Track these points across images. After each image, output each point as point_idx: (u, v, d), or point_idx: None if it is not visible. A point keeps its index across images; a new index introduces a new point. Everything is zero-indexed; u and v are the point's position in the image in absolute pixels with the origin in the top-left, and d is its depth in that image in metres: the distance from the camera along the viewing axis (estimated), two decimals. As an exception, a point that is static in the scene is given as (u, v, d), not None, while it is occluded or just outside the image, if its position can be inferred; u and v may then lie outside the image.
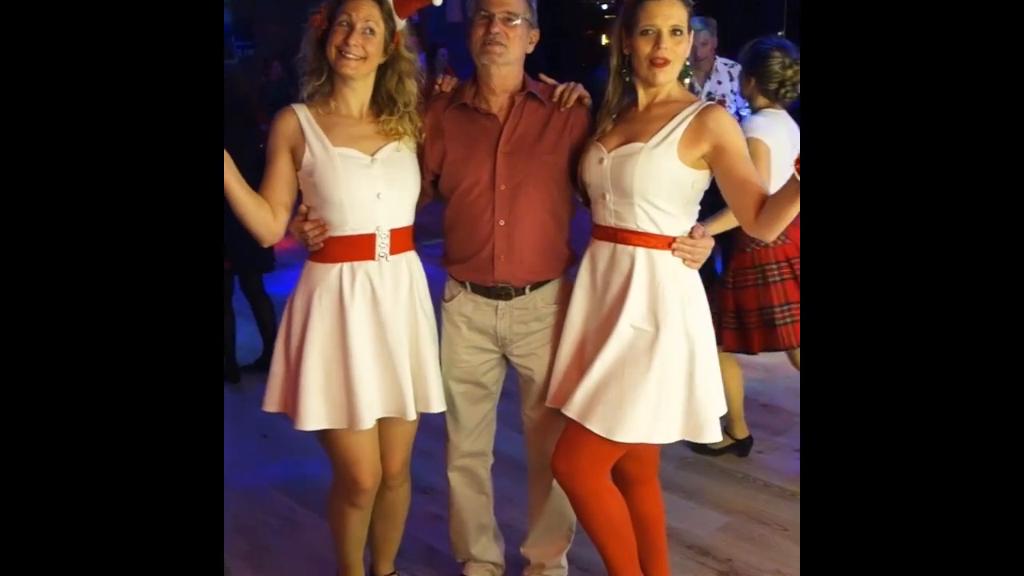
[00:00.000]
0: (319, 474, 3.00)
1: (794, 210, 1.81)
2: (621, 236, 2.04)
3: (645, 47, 1.97)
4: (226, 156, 1.87)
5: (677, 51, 1.98)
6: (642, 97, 2.06)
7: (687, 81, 2.10)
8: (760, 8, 8.73)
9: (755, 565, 2.66)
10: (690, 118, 1.97)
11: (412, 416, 2.14)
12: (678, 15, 1.97)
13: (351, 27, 2.00)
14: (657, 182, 1.97)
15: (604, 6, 13.24)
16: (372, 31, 2.02)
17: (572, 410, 2.02)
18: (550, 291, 2.23)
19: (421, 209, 2.21)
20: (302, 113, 2.08)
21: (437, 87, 2.26)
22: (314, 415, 2.07)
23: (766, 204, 1.88)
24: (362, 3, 2.02)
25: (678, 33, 1.97)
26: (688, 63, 2.07)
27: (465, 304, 2.24)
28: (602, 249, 2.09)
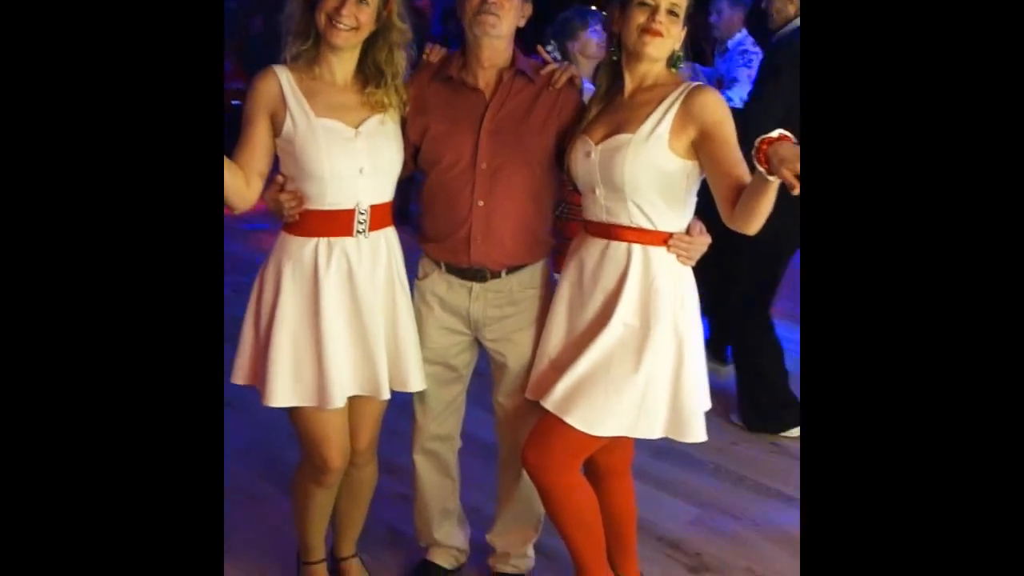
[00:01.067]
0: (282, 447, 2.93)
1: (766, 202, 1.71)
2: (614, 232, 1.96)
3: (639, 16, 1.89)
4: None
5: (672, 30, 1.90)
6: (628, 82, 1.97)
7: (674, 72, 2.00)
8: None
9: (725, 561, 2.62)
10: (677, 104, 1.88)
11: (386, 396, 2.08)
12: None
13: None
14: (649, 176, 1.88)
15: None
16: (366, 1, 1.92)
17: (551, 402, 1.95)
18: (527, 276, 2.15)
19: (402, 180, 2.13)
20: (284, 76, 1.97)
21: (425, 56, 2.16)
22: (282, 392, 2.00)
23: (740, 198, 1.79)
24: None
25: (674, 14, 1.89)
26: (680, 52, 1.98)
27: (439, 284, 2.16)
28: (593, 244, 2.01)
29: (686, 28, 1.96)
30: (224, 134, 2.19)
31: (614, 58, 2.00)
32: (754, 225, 1.79)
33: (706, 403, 2.02)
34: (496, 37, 2.01)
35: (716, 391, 3.68)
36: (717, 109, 1.87)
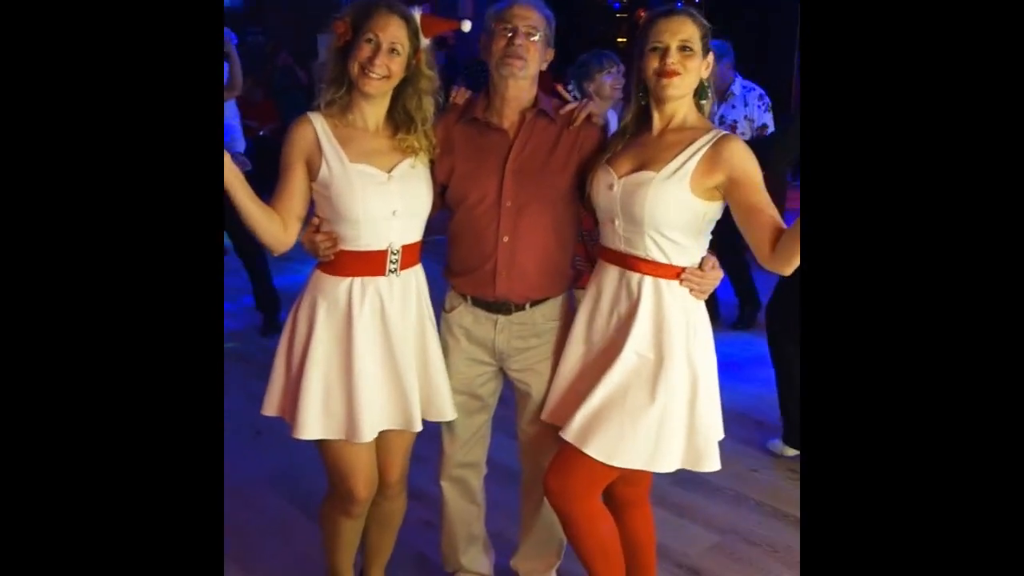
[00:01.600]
0: (312, 474, 3.00)
1: None
2: (630, 262, 2.02)
3: (653, 61, 1.96)
4: (235, 169, 1.87)
5: (687, 65, 1.95)
6: (656, 121, 2.04)
7: (704, 103, 2.08)
8: (772, 28, 8.71)
9: (744, 587, 2.65)
10: (705, 148, 1.94)
11: (418, 428, 2.14)
12: (688, 32, 1.96)
13: (378, 46, 1.98)
14: (668, 213, 1.94)
15: (616, 5, 13.23)
16: (398, 51, 2.01)
17: (570, 434, 2.01)
18: (550, 308, 2.22)
19: (431, 218, 2.20)
20: (319, 123, 2.05)
21: (451, 98, 2.25)
22: (312, 425, 2.07)
23: (782, 237, 1.84)
24: (391, 22, 2.00)
25: (688, 50, 1.95)
26: (707, 84, 2.05)
27: (465, 316, 2.24)
28: (609, 272, 2.07)
29: (709, 55, 2.01)
30: (252, 166, 2.26)
31: (642, 103, 2.07)
32: (793, 265, 1.83)
33: (719, 432, 2.07)
34: (522, 78, 2.10)
35: (736, 416, 3.76)
36: (746, 157, 1.93)
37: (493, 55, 2.10)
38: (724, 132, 1.99)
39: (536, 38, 2.08)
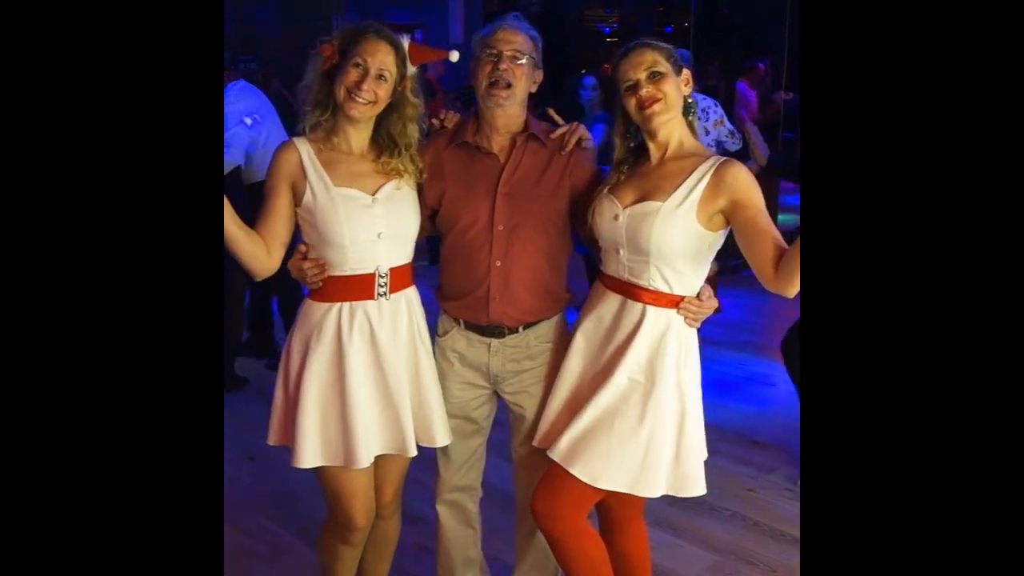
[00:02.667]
0: (306, 499, 2.99)
1: None
2: (633, 291, 2.02)
3: (631, 99, 1.99)
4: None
5: (663, 89, 1.97)
6: (653, 150, 2.04)
7: (692, 119, 2.09)
8: (761, 34, 8.84)
9: (742, 607, 2.64)
10: (708, 176, 1.94)
11: (413, 453, 2.14)
12: (649, 59, 1.98)
13: (365, 71, 1.99)
14: (675, 243, 1.95)
15: (607, 30, 13.35)
16: (385, 78, 2.01)
17: (557, 454, 2.01)
18: (544, 330, 2.22)
19: (419, 241, 2.20)
20: (303, 149, 2.06)
21: (439, 122, 2.26)
22: (310, 454, 2.06)
23: (783, 257, 1.84)
24: (379, 48, 2.01)
25: (657, 75, 1.97)
26: (690, 99, 2.07)
27: (458, 340, 2.24)
28: (610, 299, 2.07)
29: (684, 71, 2.03)
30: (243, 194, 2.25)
31: (630, 144, 2.09)
32: (797, 285, 1.81)
33: (704, 454, 2.07)
34: (509, 106, 2.10)
35: (732, 436, 3.77)
36: (748, 180, 1.94)
37: (480, 82, 2.11)
38: (724, 158, 2.00)
39: (522, 61, 2.09)
